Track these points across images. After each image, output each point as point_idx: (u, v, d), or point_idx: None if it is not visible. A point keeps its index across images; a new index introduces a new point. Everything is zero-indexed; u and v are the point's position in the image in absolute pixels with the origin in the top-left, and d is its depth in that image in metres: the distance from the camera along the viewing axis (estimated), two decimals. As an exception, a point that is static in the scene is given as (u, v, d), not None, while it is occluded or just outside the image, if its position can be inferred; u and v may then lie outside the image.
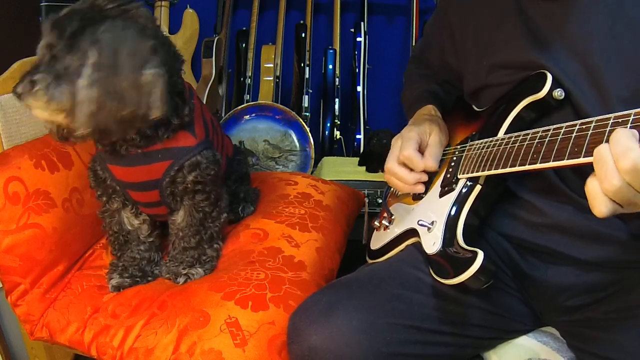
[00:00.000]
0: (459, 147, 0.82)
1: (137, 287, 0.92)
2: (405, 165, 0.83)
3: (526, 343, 0.81)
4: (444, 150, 0.86)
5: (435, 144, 0.83)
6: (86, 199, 1.00)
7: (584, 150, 0.52)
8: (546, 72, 0.67)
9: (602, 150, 0.48)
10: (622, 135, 0.47)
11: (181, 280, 0.93)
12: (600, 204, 0.50)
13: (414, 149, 0.81)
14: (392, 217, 0.91)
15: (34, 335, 0.90)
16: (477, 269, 0.63)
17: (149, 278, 0.96)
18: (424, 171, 0.83)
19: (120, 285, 0.92)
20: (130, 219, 0.94)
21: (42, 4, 1.78)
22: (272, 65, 2.03)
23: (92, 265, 1.01)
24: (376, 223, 0.95)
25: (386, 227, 0.91)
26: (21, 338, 1.06)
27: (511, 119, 0.72)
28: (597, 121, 0.53)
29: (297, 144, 1.91)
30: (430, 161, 0.81)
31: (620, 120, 0.50)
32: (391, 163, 0.83)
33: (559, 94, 0.66)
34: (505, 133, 0.71)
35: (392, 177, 0.84)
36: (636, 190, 0.47)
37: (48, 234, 0.90)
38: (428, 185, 0.85)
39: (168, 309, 0.85)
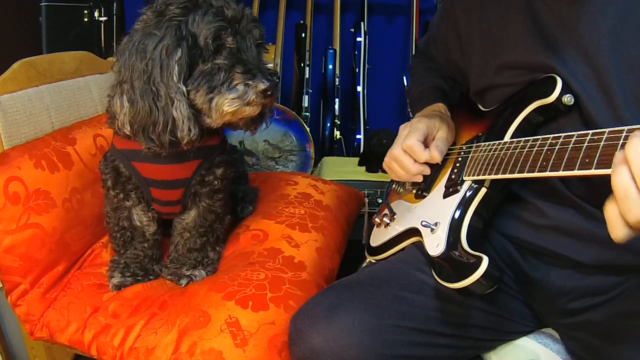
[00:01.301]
0: (464, 147, 0.81)
1: (137, 287, 0.92)
2: (409, 154, 0.83)
3: (526, 344, 0.81)
4: (449, 149, 0.85)
5: (442, 139, 0.83)
6: (86, 199, 1.00)
7: (595, 161, 0.51)
8: (556, 76, 0.66)
9: (624, 179, 0.45)
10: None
11: (184, 282, 0.93)
12: (618, 231, 0.47)
13: (417, 139, 0.81)
14: (394, 215, 0.91)
15: (34, 335, 0.90)
16: (481, 274, 0.63)
17: (151, 277, 0.96)
18: (427, 164, 0.83)
19: (121, 284, 0.92)
20: (140, 215, 0.94)
21: (42, 4, 1.78)
22: (272, 65, 2.03)
23: (92, 264, 1.01)
24: (376, 219, 0.95)
25: (387, 224, 0.91)
26: (21, 338, 1.06)
27: (518, 122, 0.71)
28: (609, 132, 0.52)
29: (297, 144, 1.91)
30: (435, 153, 0.80)
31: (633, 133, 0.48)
32: (397, 150, 0.83)
33: (568, 99, 0.65)
34: (512, 136, 0.71)
35: (395, 164, 0.84)
36: None
37: (48, 233, 0.90)
38: (431, 184, 0.84)
39: (168, 309, 0.85)
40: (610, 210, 0.48)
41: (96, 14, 1.96)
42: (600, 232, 0.67)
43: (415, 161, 0.82)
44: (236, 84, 0.74)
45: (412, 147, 0.81)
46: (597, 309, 0.71)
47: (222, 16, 0.74)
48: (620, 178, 0.46)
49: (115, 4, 2.00)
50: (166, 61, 0.72)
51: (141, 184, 0.89)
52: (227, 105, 0.75)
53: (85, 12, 1.94)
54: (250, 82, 0.74)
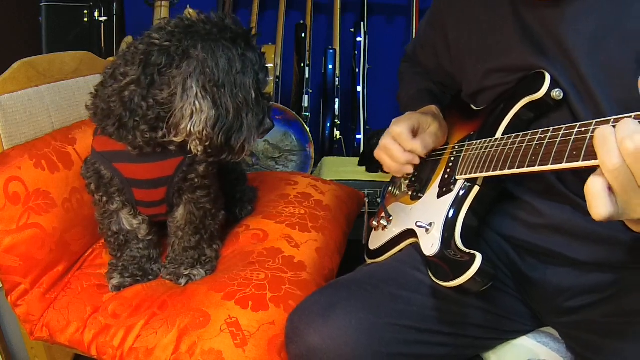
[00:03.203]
0: (456, 146, 0.82)
1: (137, 287, 0.92)
2: (397, 142, 0.83)
3: (526, 343, 0.81)
4: (442, 149, 0.86)
5: (431, 134, 0.84)
6: (86, 199, 1.00)
7: (582, 153, 0.52)
8: (544, 72, 0.67)
9: (605, 130, 0.47)
10: (629, 121, 0.46)
11: (183, 281, 0.93)
12: (599, 204, 0.48)
13: (406, 127, 0.82)
14: (390, 217, 0.91)
15: (34, 335, 0.90)
16: (475, 272, 0.63)
17: (150, 277, 0.96)
18: (422, 164, 0.83)
19: (121, 284, 0.92)
20: (128, 219, 0.94)
21: (42, 4, 1.78)
22: (272, 65, 2.03)
23: (92, 264, 1.01)
24: (374, 223, 0.95)
25: (384, 227, 0.91)
26: (21, 338, 1.06)
27: (509, 119, 0.72)
28: (596, 124, 0.52)
29: (297, 144, 1.91)
30: (418, 144, 0.81)
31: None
32: (386, 139, 0.84)
33: (557, 94, 0.66)
34: (504, 133, 0.71)
35: (383, 153, 0.84)
36: (635, 176, 0.46)
37: (48, 233, 0.90)
38: (426, 185, 0.85)
39: (168, 309, 0.85)
40: (593, 180, 0.48)
41: (96, 14, 1.95)
42: (597, 229, 0.67)
43: (405, 150, 0.83)
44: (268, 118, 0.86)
45: (400, 134, 0.82)
46: (595, 307, 0.71)
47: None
48: (601, 131, 0.48)
49: (115, 4, 2.00)
50: (244, 77, 0.79)
51: (124, 185, 0.89)
52: (262, 132, 0.85)
53: (85, 12, 1.94)
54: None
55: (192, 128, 0.76)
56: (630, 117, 0.49)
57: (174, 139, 0.80)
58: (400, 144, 0.82)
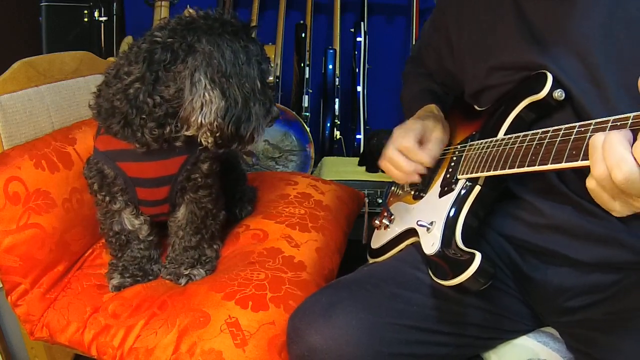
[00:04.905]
0: (459, 146, 0.82)
1: (137, 287, 0.92)
2: (404, 154, 0.83)
3: (526, 343, 0.81)
4: (445, 150, 0.86)
5: (436, 141, 0.84)
6: (86, 199, 1.00)
7: (582, 153, 0.52)
8: (547, 72, 0.67)
9: (597, 138, 0.49)
10: (617, 145, 0.47)
11: (183, 281, 0.93)
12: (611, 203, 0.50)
13: (414, 139, 0.82)
14: (392, 217, 0.91)
15: (34, 335, 0.90)
16: (474, 270, 0.63)
17: (150, 277, 0.96)
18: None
19: (121, 285, 0.92)
20: (130, 219, 0.94)
21: (42, 4, 1.78)
22: (272, 65, 2.03)
23: (92, 264, 1.01)
24: (377, 222, 0.95)
25: (386, 226, 0.92)
26: (21, 338, 1.06)
27: (511, 120, 0.72)
28: (595, 124, 0.52)
29: (297, 144, 1.91)
30: (426, 157, 0.81)
31: (618, 123, 0.49)
32: (391, 150, 0.84)
33: (559, 94, 0.66)
34: (505, 133, 0.71)
35: (389, 164, 0.84)
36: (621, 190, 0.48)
37: (48, 233, 0.90)
38: (428, 185, 0.85)
39: (168, 309, 0.85)
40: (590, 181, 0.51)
41: (96, 14, 1.95)
42: (598, 229, 0.68)
43: (410, 159, 0.83)
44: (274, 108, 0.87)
45: (408, 149, 0.82)
46: (596, 307, 0.71)
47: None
48: (593, 140, 0.50)
49: (115, 4, 2.00)
50: (248, 68, 0.80)
51: (127, 185, 0.89)
52: (269, 120, 0.86)
53: (85, 12, 1.94)
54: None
55: (202, 120, 0.77)
56: (629, 117, 0.49)
57: (185, 133, 0.80)
58: (408, 157, 0.82)
